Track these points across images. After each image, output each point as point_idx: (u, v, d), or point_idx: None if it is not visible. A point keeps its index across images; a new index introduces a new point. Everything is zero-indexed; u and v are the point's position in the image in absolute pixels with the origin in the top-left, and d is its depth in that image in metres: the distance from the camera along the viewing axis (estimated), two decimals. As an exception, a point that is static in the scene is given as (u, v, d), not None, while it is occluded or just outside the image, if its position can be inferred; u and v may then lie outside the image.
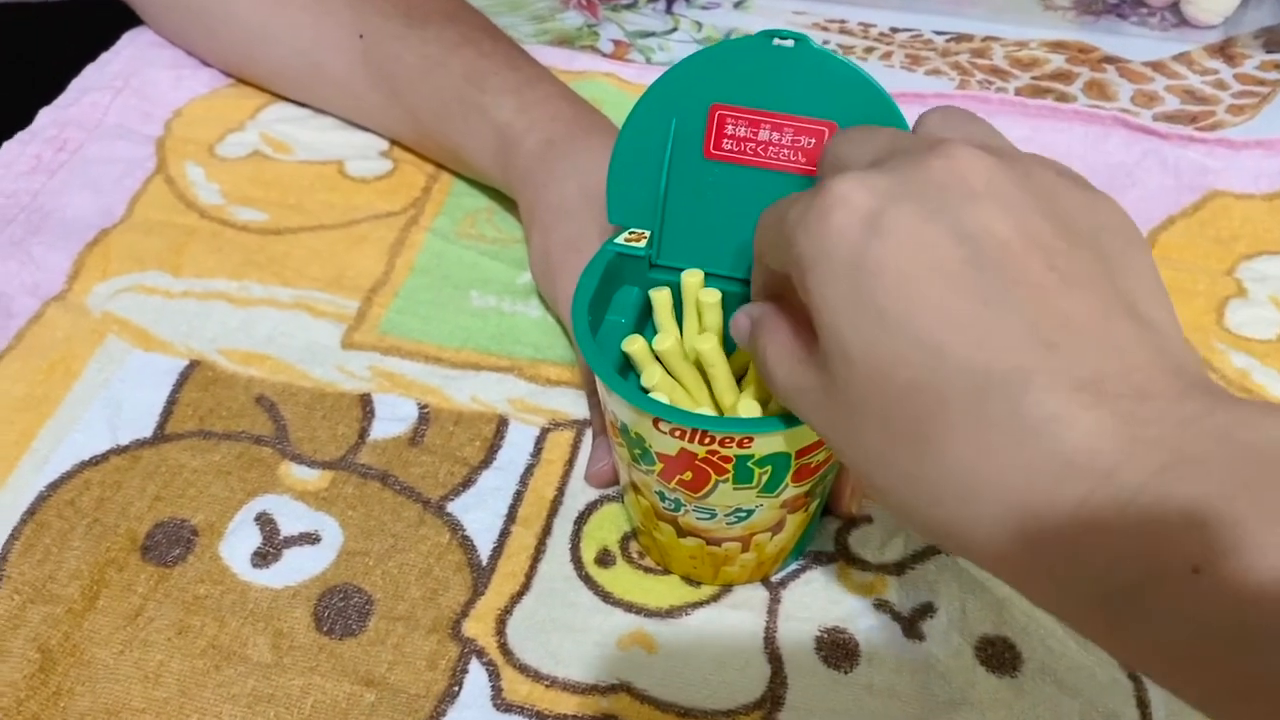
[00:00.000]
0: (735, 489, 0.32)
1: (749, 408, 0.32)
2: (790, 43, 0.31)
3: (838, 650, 0.35)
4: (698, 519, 0.33)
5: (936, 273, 0.23)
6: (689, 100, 0.33)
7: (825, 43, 0.57)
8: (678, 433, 0.30)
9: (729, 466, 0.31)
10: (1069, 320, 0.22)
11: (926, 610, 0.36)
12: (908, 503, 0.23)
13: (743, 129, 0.33)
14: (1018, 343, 0.22)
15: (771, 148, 0.33)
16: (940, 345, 0.22)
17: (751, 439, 0.30)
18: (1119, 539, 0.20)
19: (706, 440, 0.30)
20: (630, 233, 0.35)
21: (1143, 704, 0.33)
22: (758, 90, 0.32)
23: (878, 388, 0.23)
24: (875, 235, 0.23)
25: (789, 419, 0.30)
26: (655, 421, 0.30)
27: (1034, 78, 0.58)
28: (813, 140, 0.32)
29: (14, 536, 0.38)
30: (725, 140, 0.33)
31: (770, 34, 0.32)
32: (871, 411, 0.24)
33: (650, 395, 0.32)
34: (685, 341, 0.34)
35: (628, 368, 0.34)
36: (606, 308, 0.35)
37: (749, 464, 0.31)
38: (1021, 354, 0.22)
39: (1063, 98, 0.57)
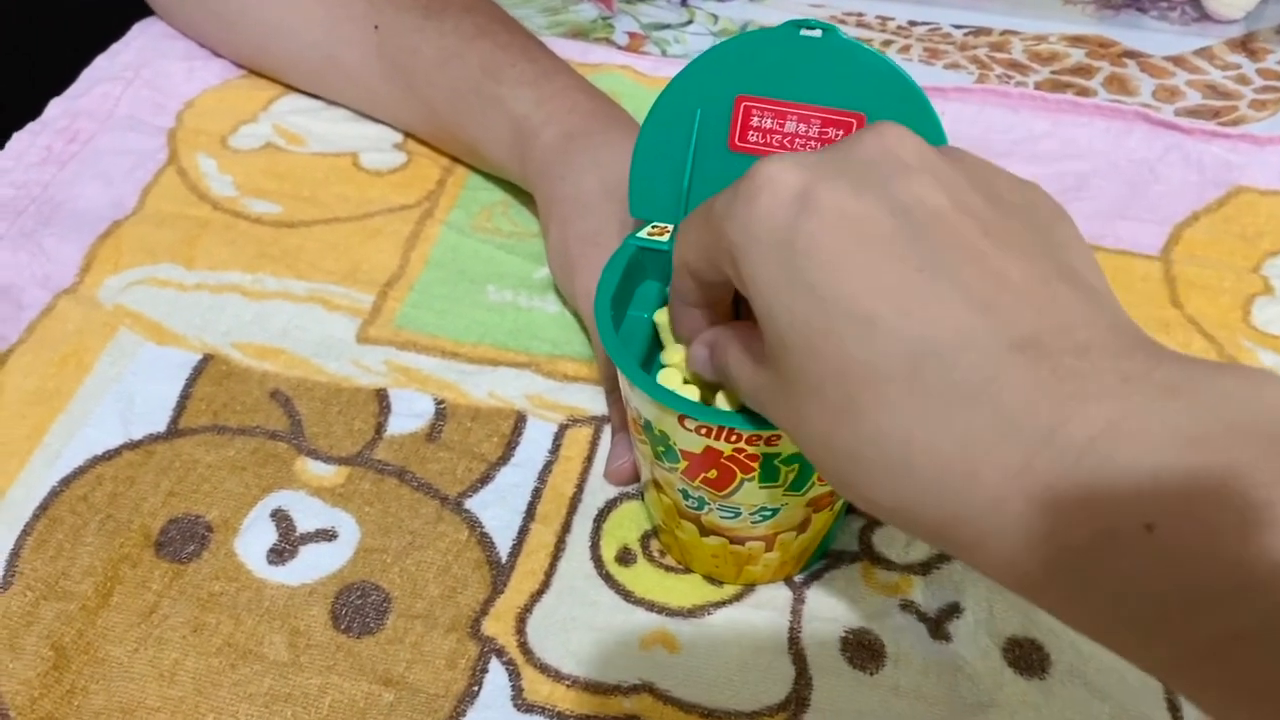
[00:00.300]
0: (761, 487, 0.31)
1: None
2: (818, 33, 0.31)
3: (863, 651, 0.34)
4: (721, 518, 0.33)
5: (868, 244, 0.22)
6: (714, 91, 0.32)
7: (843, 36, 0.57)
8: (703, 430, 0.30)
9: (755, 465, 0.30)
10: (1005, 282, 0.22)
11: (953, 611, 0.35)
12: (850, 480, 0.23)
13: (769, 120, 0.32)
14: (953, 308, 0.21)
15: (798, 140, 0.32)
16: (871, 315, 0.22)
17: (779, 436, 0.29)
18: (1065, 501, 0.19)
19: (733, 438, 0.30)
20: (653, 227, 0.35)
21: (1174, 707, 0.33)
22: (784, 81, 0.32)
23: (813, 366, 0.23)
24: (805, 212, 0.23)
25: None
26: (681, 419, 0.30)
27: (1053, 72, 0.58)
28: (841, 132, 0.32)
29: (26, 532, 0.37)
30: (751, 132, 0.33)
31: (798, 24, 0.31)
32: (809, 391, 0.23)
33: (676, 392, 0.31)
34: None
35: (650, 364, 0.34)
36: (628, 303, 0.35)
37: (776, 462, 0.30)
38: (957, 318, 0.21)
39: (1083, 92, 0.56)
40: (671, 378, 0.32)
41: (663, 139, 0.33)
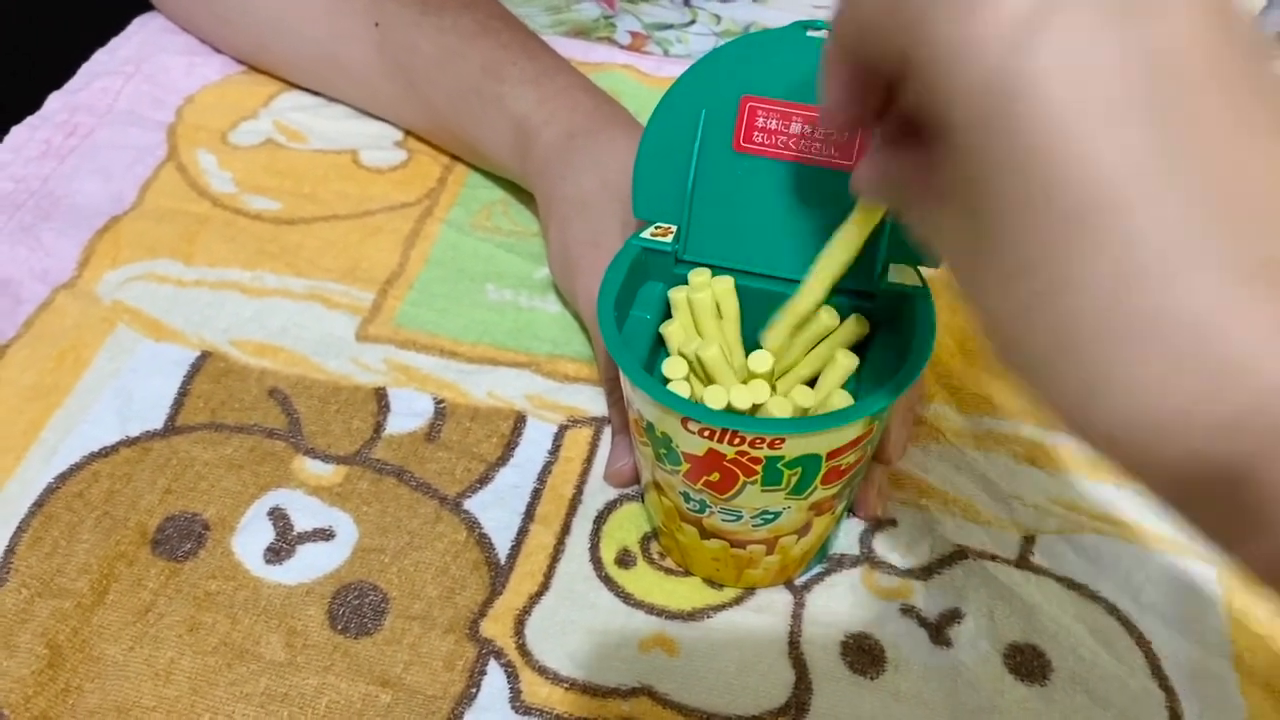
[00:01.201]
0: (763, 491, 0.31)
1: (780, 407, 0.31)
2: (824, 34, 0.31)
3: (863, 656, 0.34)
4: (723, 521, 0.33)
5: (1104, 104, 0.18)
6: (719, 92, 0.32)
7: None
8: (706, 432, 0.30)
9: (758, 468, 0.30)
10: (1249, 185, 0.18)
11: (954, 616, 0.35)
12: (1024, 343, 0.20)
13: (774, 121, 0.32)
14: (1182, 212, 0.18)
15: (804, 141, 0.32)
16: (1094, 198, 0.18)
17: (783, 440, 0.29)
18: None
19: (736, 440, 0.29)
20: (656, 227, 0.34)
21: (1175, 715, 0.33)
22: (790, 82, 0.32)
23: (1011, 224, 0.19)
24: (1039, 34, 0.18)
25: (821, 420, 0.29)
26: (684, 421, 0.30)
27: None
28: (846, 134, 0.32)
29: (22, 529, 0.37)
30: (756, 133, 0.32)
31: (804, 25, 0.31)
32: (1004, 247, 0.20)
33: (678, 393, 0.31)
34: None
35: (653, 365, 0.34)
36: (631, 303, 0.34)
37: (779, 465, 0.30)
38: (1185, 226, 0.18)
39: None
40: (675, 371, 0.32)
41: (667, 139, 0.33)
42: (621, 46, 0.59)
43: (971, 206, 0.20)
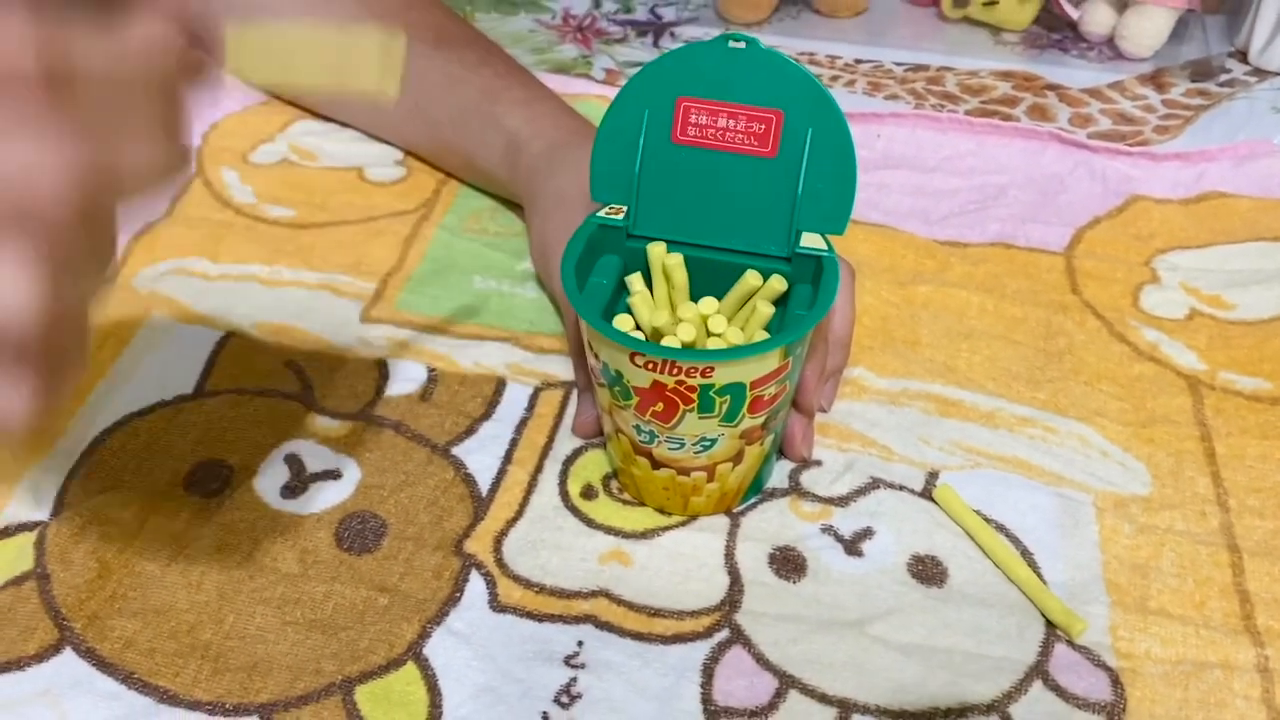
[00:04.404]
0: (700, 418, 0.37)
1: (735, 335, 0.38)
2: (743, 45, 0.38)
3: (788, 565, 0.40)
4: (669, 449, 0.39)
5: None
6: (658, 94, 0.39)
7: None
8: (650, 365, 0.36)
9: (694, 396, 0.37)
10: None
11: (866, 534, 0.41)
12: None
13: (704, 117, 0.39)
14: None
15: (729, 133, 0.39)
16: None
17: (713, 368, 0.36)
18: None
19: (674, 370, 0.36)
20: (610, 208, 0.41)
21: (1050, 624, 0.39)
22: (716, 84, 0.39)
23: None
24: None
25: (742, 350, 0.36)
26: (632, 355, 0.36)
27: (982, 102, 0.65)
28: (763, 126, 0.39)
29: (72, 475, 0.43)
30: (689, 127, 0.39)
31: (727, 37, 0.38)
32: None
33: (627, 334, 0.38)
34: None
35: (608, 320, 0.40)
36: (590, 271, 0.41)
37: (711, 393, 0.37)
38: None
39: (1007, 119, 0.63)
40: (624, 325, 0.38)
41: (617, 134, 0.40)
42: (597, 81, 0.66)
43: None
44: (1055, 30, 0.71)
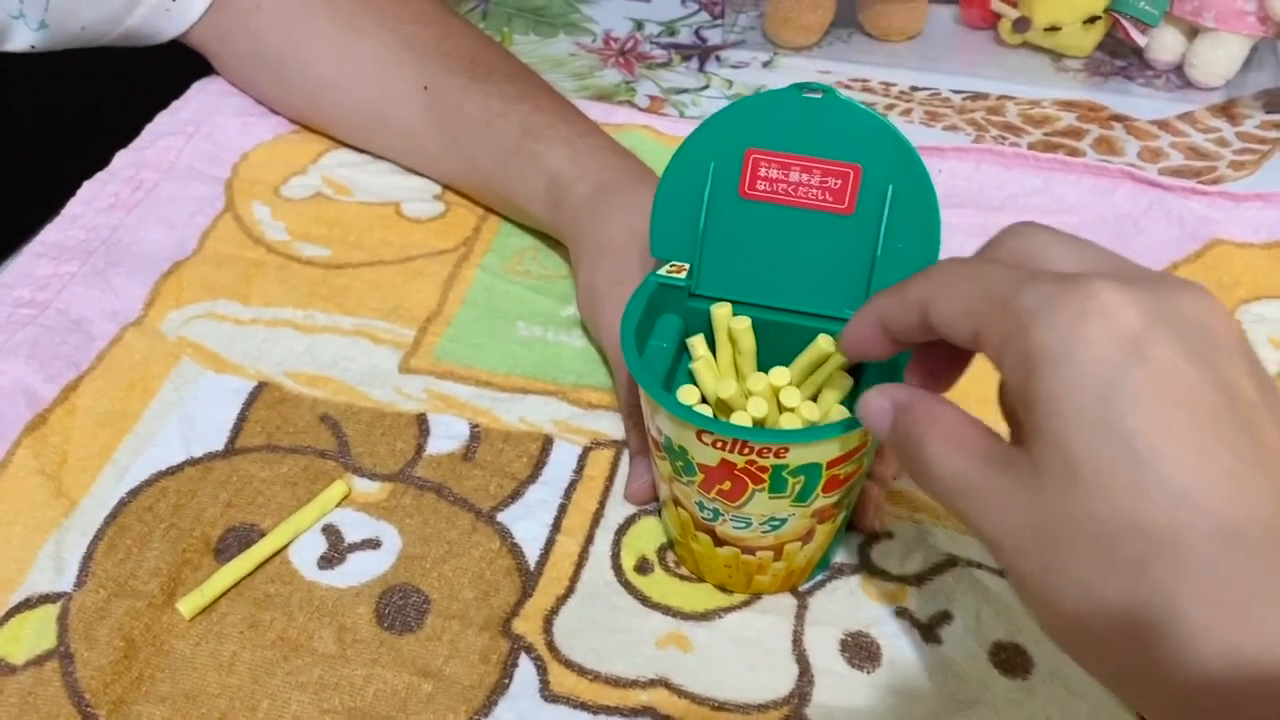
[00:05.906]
0: (771, 498, 0.35)
1: (787, 421, 0.35)
2: (819, 94, 0.35)
3: (861, 652, 0.37)
4: (734, 528, 0.36)
5: (1194, 416, 0.22)
6: (726, 145, 0.37)
7: (848, 99, 0.61)
8: (720, 444, 0.33)
9: (766, 476, 0.34)
10: None
11: (944, 617, 0.38)
12: (1091, 630, 0.23)
13: (775, 171, 0.36)
14: (1268, 505, 0.22)
15: (801, 188, 0.36)
16: (1191, 491, 0.22)
17: (787, 449, 0.33)
18: None
19: (746, 450, 0.33)
20: (671, 265, 0.38)
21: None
22: (789, 136, 0.36)
23: (1103, 516, 0.22)
24: (1137, 358, 0.22)
25: (821, 430, 0.33)
26: (699, 433, 0.33)
27: (1045, 134, 0.62)
28: (839, 181, 0.36)
29: (98, 538, 0.41)
30: (759, 181, 0.37)
31: (801, 86, 0.35)
32: (1087, 537, 0.23)
33: (694, 409, 0.35)
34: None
35: (669, 387, 0.38)
36: (650, 333, 0.38)
37: (784, 473, 0.34)
38: (1273, 517, 0.22)
39: (1073, 153, 0.60)
40: (689, 397, 0.36)
41: (680, 187, 0.37)
42: (640, 109, 0.64)
43: (1052, 483, 0.23)
44: (1119, 56, 0.68)
